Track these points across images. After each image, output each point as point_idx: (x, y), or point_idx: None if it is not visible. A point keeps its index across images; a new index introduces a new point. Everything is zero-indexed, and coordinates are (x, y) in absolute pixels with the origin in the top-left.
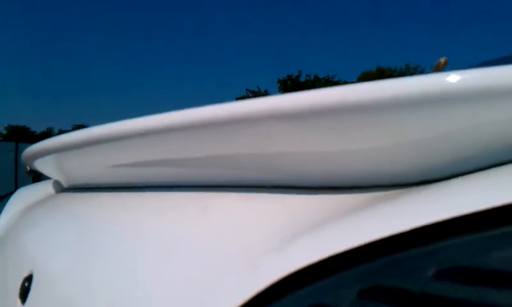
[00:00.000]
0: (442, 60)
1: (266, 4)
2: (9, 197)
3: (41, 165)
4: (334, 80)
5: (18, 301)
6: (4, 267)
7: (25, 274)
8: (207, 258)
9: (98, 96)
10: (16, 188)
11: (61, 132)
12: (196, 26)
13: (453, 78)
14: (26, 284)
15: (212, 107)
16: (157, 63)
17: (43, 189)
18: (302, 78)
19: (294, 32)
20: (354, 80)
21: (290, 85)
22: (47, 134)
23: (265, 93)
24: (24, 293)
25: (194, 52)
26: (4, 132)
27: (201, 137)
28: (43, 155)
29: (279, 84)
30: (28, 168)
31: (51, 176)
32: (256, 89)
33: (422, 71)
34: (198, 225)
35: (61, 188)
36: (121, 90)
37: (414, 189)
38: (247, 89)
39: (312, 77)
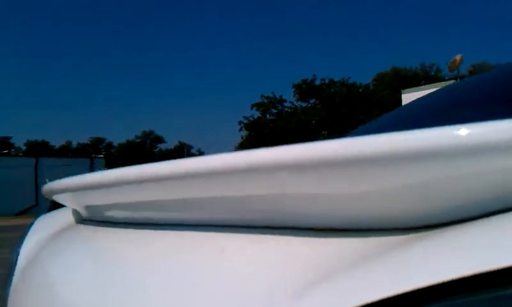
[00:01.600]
0: (458, 57)
1: (277, 9)
2: (30, 214)
3: (61, 199)
4: (349, 82)
5: None
6: (29, 298)
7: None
8: (225, 300)
9: (115, 107)
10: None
11: (79, 145)
12: (207, 35)
13: (463, 132)
14: None
15: (229, 155)
16: (171, 73)
17: (62, 218)
18: (317, 82)
19: (307, 36)
20: (369, 82)
21: (305, 89)
22: (66, 148)
23: (280, 99)
24: None
25: (208, 62)
26: (24, 147)
27: (219, 183)
28: (63, 191)
29: (294, 89)
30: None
31: (71, 207)
32: (271, 95)
33: (438, 70)
34: (216, 266)
35: (80, 219)
36: (137, 100)
37: (426, 233)
38: (262, 96)
39: (327, 80)
